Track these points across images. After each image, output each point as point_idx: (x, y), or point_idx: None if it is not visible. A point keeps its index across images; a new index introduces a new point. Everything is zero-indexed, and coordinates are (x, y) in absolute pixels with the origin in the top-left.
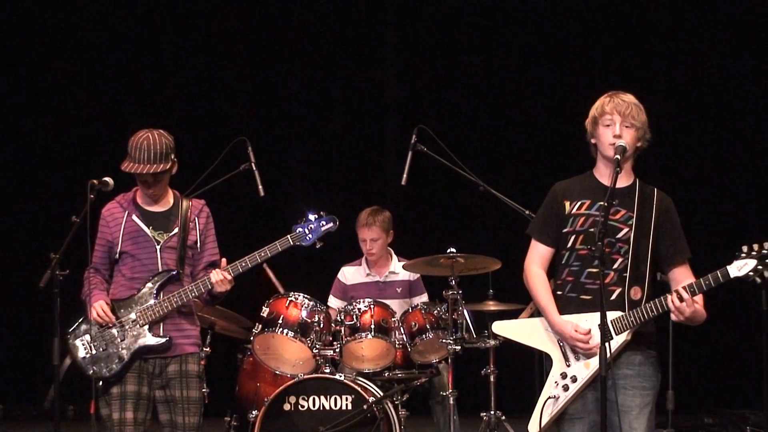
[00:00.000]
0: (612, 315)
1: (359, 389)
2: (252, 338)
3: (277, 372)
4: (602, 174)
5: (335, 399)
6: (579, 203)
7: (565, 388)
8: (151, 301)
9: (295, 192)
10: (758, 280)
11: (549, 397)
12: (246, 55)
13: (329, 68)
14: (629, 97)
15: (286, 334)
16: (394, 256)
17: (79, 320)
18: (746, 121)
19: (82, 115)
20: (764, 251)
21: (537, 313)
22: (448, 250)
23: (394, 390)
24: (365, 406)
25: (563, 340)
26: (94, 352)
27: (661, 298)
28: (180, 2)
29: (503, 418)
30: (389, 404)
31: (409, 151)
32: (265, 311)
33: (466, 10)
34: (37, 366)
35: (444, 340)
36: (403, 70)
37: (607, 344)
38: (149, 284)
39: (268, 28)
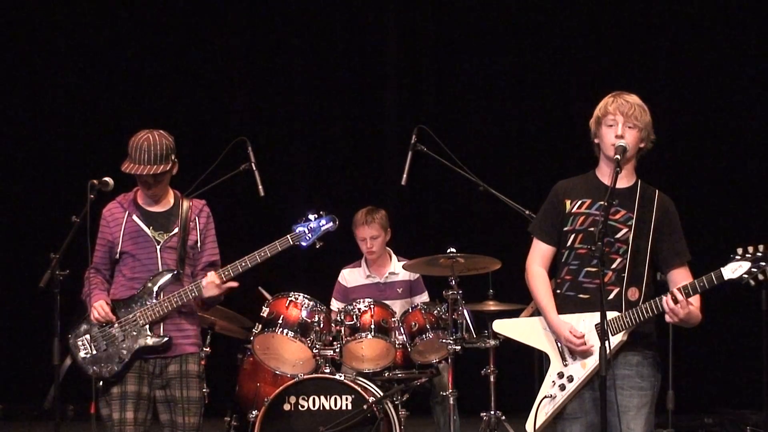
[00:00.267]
0: (609, 315)
1: (359, 389)
2: (252, 338)
3: (277, 372)
4: (604, 174)
5: (335, 399)
6: (580, 202)
7: (562, 387)
8: (152, 301)
9: (295, 192)
10: (752, 282)
11: (545, 396)
12: (246, 55)
13: (329, 68)
14: (633, 98)
15: (286, 334)
16: (394, 256)
17: (80, 320)
18: (747, 121)
19: (82, 115)
20: (758, 254)
21: (538, 312)
22: (448, 250)
23: (394, 390)
24: (365, 406)
25: (559, 340)
26: (94, 352)
27: (657, 299)
28: (180, 2)
29: (503, 418)
30: (389, 404)
31: (409, 151)
32: (265, 311)
33: (466, 10)
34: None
35: (444, 340)
36: (403, 70)
37: (606, 344)
38: (149, 284)
39: (268, 28)
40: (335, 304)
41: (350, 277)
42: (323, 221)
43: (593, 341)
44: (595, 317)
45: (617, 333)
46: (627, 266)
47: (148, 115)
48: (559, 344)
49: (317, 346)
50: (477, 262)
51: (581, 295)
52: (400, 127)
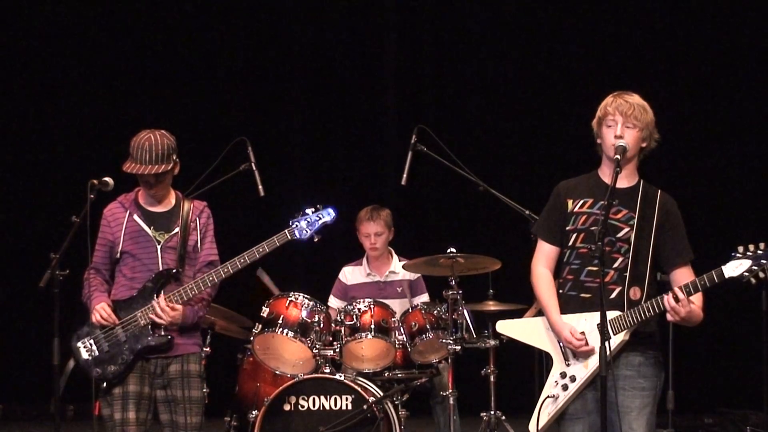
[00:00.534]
0: (610, 314)
1: (359, 389)
2: (252, 338)
3: (277, 372)
4: (606, 174)
5: (335, 399)
6: (581, 202)
7: (564, 387)
8: (152, 301)
9: (295, 192)
10: (753, 280)
11: (548, 396)
12: (246, 55)
13: (329, 68)
14: (634, 98)
15: (286, 334)
16: (395, 256)
17: (81, 322)
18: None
19: (82, 115)
20: (759, 252)
21: (541, 312)
22: (448, 250)
23: (394, 390)
24: (365, 406)
25: (560, 340)
26: (97, 353)
27: (658, 297)
28: (180, 2)
29: (503, 418)
30: (389, 404)
31: (409, 151)
32: (265, 311)
33: (466, 10)
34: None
35: (444, 340)
36: (403, 70)
37: (606, 344)
38: (150, 284)
39: (268, 28)
40: (334, 302)
41: (351, 275)
42: (321, 214)
43: (595, 341)
44: (596, 317)
45: (619, 332)
46: (629, 265)
47: (148, 115)
48: (561, 344)
49: (317, 346)
50: (477, 262)
51: (583, 295)
52: (400, 127)
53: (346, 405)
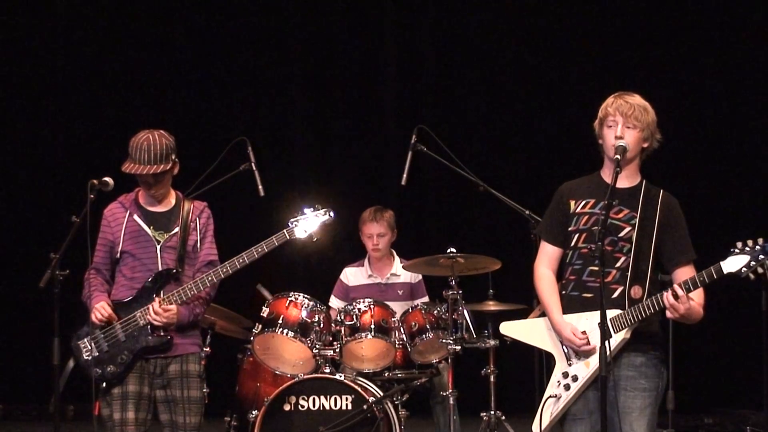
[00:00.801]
0: (611, 313)
1: (359, 389)
2: (252, 338)
3: (277, 372)
4: (608, 174)
5: (335, 399)
6: (584, 202)
7: (567, 387)
8: (152, 301)
9: (295, 192)
10: (752, 276)
11: (550, 396)
12: (246, 55)
13: (329, 68)
14: (634, 98)
15: (286, 334)
16: (397, 258)
17: (81, 322)
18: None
19: (82, 115)
20: (758, 247)
21: (545, 313)
22: (448, 250)
23: (394, 390)
24: (365, 406)
25: (561, 340)
26: (96, 353)
27: (658, 295)
28: (180, 2)
29: (503, 418)
30: (389, 404)
31: (409, 151)
32: (265, 311)
33: (466, 10)
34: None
35: (444, 340)
36: (403, 70)
37: (606, 343)
38: (149, 284)
39: (268, 28)
40: (334, 302)
41: (352, 276)
42: (319, 214)
43: (596, 340)
44: (597, 316)
45: (620, 330)
46: (630, 265)
47: (148, 115)
48: (563, 344)
49: (317, 346)
50: (477, 262)
51: (585, 294)
52: (400, 127)
53: (346, 405)
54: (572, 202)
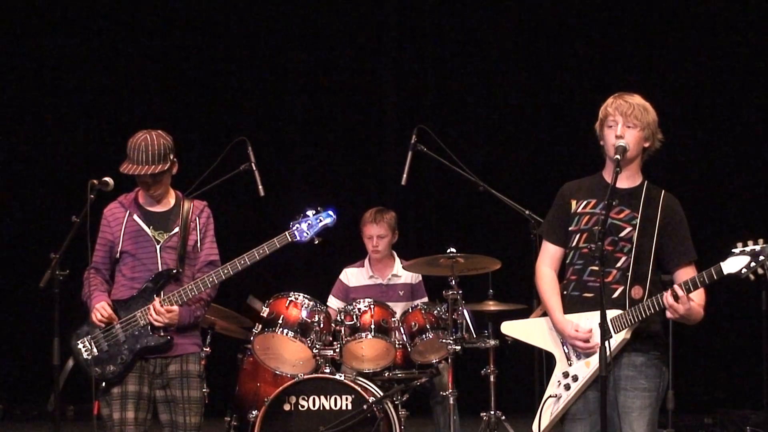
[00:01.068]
0: (612, 313)
1: (359, 389)
2: (252, 338)
3: (277, 372)
4: (610, 175)
5: (335, 399)
6: (585, 202)
7: (567, 387)
8: (152, 301)
9: (295, 192)
10: (751, 277)
11: (550, 396)
12: (246, 54)
13: (329, 68)
14: (634, 99)
15: (286, 334)
16: (397, 259)
17: (81, 322)
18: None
19: (82, 115)
20: (758, 248)
21: (546, 313)
22: (448, 250)
23: (394, 390)
24: (365, 406)
25: (564, 339)
26: (96, 353)
27: (658, 295)
28: (180, 3)
29: (503, 418)
30: (389, 404)
31: (409, 151)
32: (265, 311)
33: (466, 10)
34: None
35: (444, 340)
36: (403, 70)
37: (606, 343)
38: (149, 284)
39: (268, 28)
40: (334, 302)
41: (353, 276)
42: (321, 217)
43: (597, 340)
44: (597, 316)
45: (620, 331)
46: (631, 265)
47: (148, 115)
48: (564, 344)
49: (317, 346)
50: (477, 262)
51: (586, 294)
52: (400, 127)
53: (346, 405)
54: (574, 202)
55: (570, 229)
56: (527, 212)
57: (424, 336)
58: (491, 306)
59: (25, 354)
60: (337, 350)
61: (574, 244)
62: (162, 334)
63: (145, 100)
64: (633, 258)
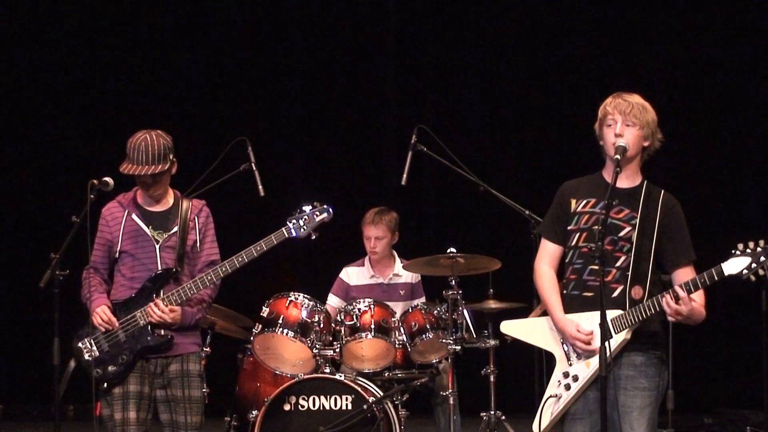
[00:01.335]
0: (612, 313)
1: (359, 389)
2: (252, 338)
3: (277, 372)
4: (609, 174)
5: (335, 399)
6: (584, 201)
7: (567, 387)
8: (151, 301)
9: (295, 192)
10: (752, 277)
11: (550, 396)
12: (246, 54)
13: (329, 68)
14: (633, 97)
15: (286, 334)
16: (398, 259)
17: (82, 323)
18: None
19: (82, 115)
20: (759, 249)
21: (546, 312)
22: (448, 250)
23: (394, 390)
24: (365, 406)
25: (564, 338)
26: (97, 354)
27: (659, 296)
28: (180, 2)
29: (503, 418)
30: (389, 404)
31: (409, 151)
32: (265, 311)
33: (466, 10)
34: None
35: (444, 340)
36: (403, 70)
37: (606, 343)
38: (149, 284)
39: (269, 28)
40: (333, 300)
41: (354, 275)
42: (317, 212)
43: (598, 343)
44: (598, 316)
45: (620, 331)
46: (631, 265)
47: (148, 115)
48: (564, 344)
49: (317, 346)
50: (477, 262)
51: (585, 294)
52: (400, 127)
53: (346, 405)
54: (573, 201)
55: (569, 228)
56: (527, 212)
57: (424, 336)
58: (491, 306)
59: (25, 354)
60: (337, 350)
61: (573, 243)
62: (162, 333)
63: (145, 100)
64: (632, 257)
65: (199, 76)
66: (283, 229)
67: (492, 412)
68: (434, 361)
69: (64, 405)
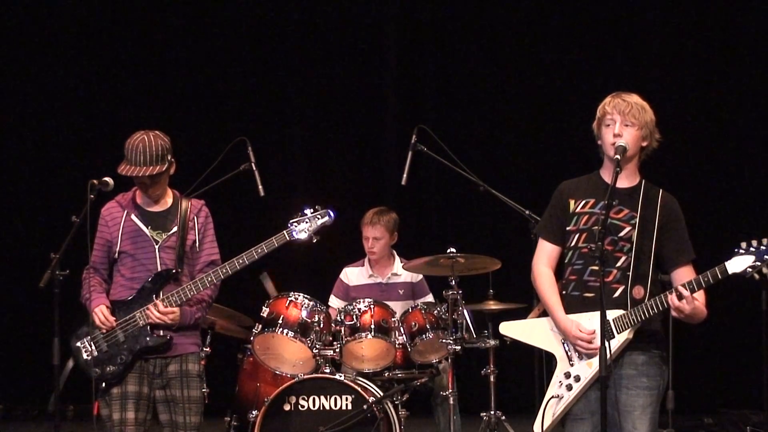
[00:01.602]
0: (614, 313)
1: (359, 389)
2: (252, 338)
3: (277, 372)
4: (607, 174)
5: (335, 399)
6: (584, 202)
7: (569, 387)
8: (151, 302)
9: (295, 192)
10: (756, 276)
11: (552, 397)
12: (246, 54)
13: (329, 68)
14: (632, 97)
15: (286, 334)
16: (397, 258)
17: (81, 323)
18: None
19: (82, 115)
20: (762, 247)
21: (545, 313)
22: (448, 250)
23: (394, 390)
24: (365, 406)
25: (566, 339)
26: (96, 354)
27: (662, 295)
28: (180, 2)
29: (503, 418)
30: (389, 404)
31: (409, 151)
32: (265, 311)
33: (466, 10)
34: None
35: (444, 340)
36: (403, 70)
37: (608, 343)
38: (149, 284)
39: (268, 28)
40: (334, 301)
41: (353, 275)
42: (319, 215)
43: (599, 340)
44: (599, 316)
45: (623, 331)
46: (631, 264)
47: (147, 115)
48: (565, 344)
49: (317, 346)
50: (477, 262)
51: (586, 294)
52: (400, 127)
53: (346, 405)
54: (572, 202)
55: (569, 228)
56: (527, 212)
57: (424, 336)
58: (491, 306)
59: (25, 354)
60: (337, 350)
61: (573, 243)
62: (161, 333)
63: (145, 100)
64: (633, 257)
65: (199, 76)
66: (285, 231)
67: (492, 412)
68: (434, 361)
69: (63, 405)
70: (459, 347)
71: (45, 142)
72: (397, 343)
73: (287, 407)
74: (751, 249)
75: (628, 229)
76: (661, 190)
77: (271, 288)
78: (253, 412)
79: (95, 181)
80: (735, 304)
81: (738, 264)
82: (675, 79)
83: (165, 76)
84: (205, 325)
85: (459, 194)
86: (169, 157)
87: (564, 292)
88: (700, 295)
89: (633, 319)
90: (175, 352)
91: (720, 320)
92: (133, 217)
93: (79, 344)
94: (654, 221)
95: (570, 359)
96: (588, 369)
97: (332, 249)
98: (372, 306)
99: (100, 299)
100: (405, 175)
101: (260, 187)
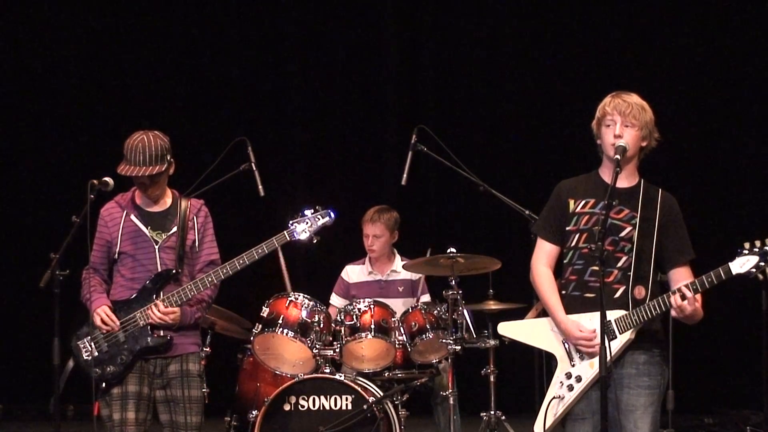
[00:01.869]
0: (616, 314)
1: (359, 389)
2: (252, 338)
3: (277, 372)
4: (607, 174)
5: (335, 399)
6: (583, 202)
7: (570, 388)
8: (152, 302)
9: (295, 192)
10: (760, 276)
11: (554, 397)
12: (246, 54)
13: (329, 68)
14: (632, 98)
15: (286, 334)
16: (398, 256)
17: (81, 323)
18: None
19: (82, 115)
20: (766, 248)
21: (543, 313)
22: (448, 250)
23: (394, 390)
24: (365, 406)
25: (567, 339)
26: (96, 354)
27: (664, 296)
28: (180, 2)
29: (503, 418)
30: (389, 404)
31: (409, 151)
32: (265, 311)
33: (467, 10)
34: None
35: (444, 340)
36: (403, 70)
37: (609, 343)
38: (149, 285)
39: (268, 28)
40: (335, 299)
41: (353, 273)
42: (319, 216)
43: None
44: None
45: (625, 331)
46: (632, 265)
47: (147, 115)
48: (566, 344)
49: (317, 346)
50: (477, 262)
51: (587, 294)
52: (400, 127)
53: (346, 405)
54: (572, 202)
55: (568, 228)
56: (527, 212)
57: (424, 336)
58: (491, 306)
59: (25, 354)
60: (337, 350)
61: (573, 244)
62: (162, 334)
63: (145, 100)
64: (634, 258)
65: (199, 76)
66: (285, 232)
67: (492, 412)
68: (434, 361)
69: (63, 405)
70: (459, 347)
71: (45, 142)
72: (397, 343)
73: (287, 407)
74: (755, 250)
75: (628, 229)
76: (660, 190)
77: (284, 266)
78: (253, 412)
79: (95, 181)
80: (735, 304)
81: (742, 264)
82: (675, 79)
83: (165, 76)
84: (205, 326)
85: (459, 194)
86: (168, 157)
87: (564, 292)
88: (697, 296)
89: (635, 320)
90: (175, 352)
91: (720, 320)
92: (132, 217)
93: (79, 344)
94: (654, 221)
95: (571, 359)
96: (590, 369)
97: (333, 248)
98: (372, 306)
99: (102, 299)
100: (405, 175)
101: (260, 187)
